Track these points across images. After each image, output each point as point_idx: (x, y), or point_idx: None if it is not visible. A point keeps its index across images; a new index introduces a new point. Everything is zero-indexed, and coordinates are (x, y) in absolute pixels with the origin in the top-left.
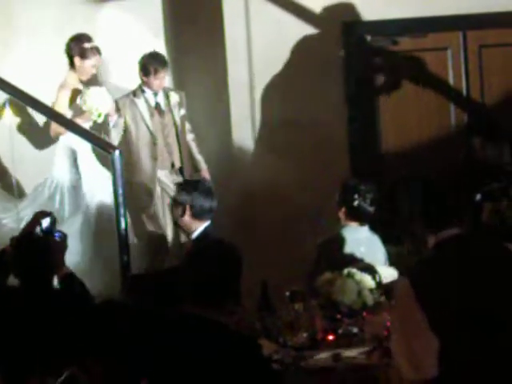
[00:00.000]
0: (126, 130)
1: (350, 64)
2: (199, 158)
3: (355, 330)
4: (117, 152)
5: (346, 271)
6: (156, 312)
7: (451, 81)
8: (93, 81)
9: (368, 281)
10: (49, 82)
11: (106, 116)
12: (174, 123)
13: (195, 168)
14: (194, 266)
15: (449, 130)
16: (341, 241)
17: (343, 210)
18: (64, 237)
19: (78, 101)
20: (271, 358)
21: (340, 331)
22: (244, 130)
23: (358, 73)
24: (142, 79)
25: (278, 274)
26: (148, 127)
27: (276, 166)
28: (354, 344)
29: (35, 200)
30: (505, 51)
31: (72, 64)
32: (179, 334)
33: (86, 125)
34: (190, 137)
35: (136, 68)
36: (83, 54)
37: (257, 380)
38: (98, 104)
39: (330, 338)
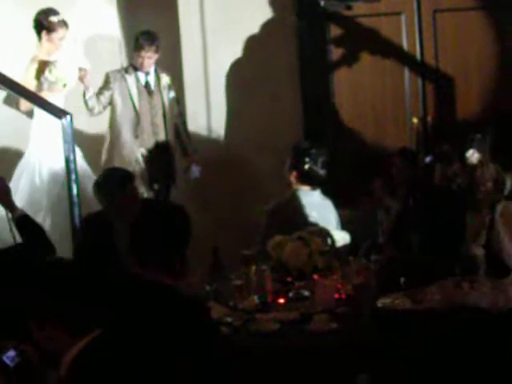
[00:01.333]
0: (111, 104)
1: (303, 29)
2: (187, 142)
3: (306, 293)
4: (68, 117)
5: (296, 234)
6: (103, 273)
7: (405, 46)
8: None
9: (319, 244)
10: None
11: (84, 88)
12: (163, 105)
13: (184, 152)
14: (141, 226)
15: (403, 95)
16: (292, 205)
17: (294, 173)
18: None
19: (46, 73)
20: (221, 321)
21: (291, 294)
22: (198, 94)
23: (311, 38)
24: (133, 56)
25: (230, 238)
26: (134, 105)
27: (230, 129)
28: (304, 307)
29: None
30: (459, 16)
31: (40, 37)
32: (125, 296)
33: (58, 97)
34: (179, 120)
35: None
36: (50, 28)
37: (204, 343)
38: (63, 75)
39: (281, 301)
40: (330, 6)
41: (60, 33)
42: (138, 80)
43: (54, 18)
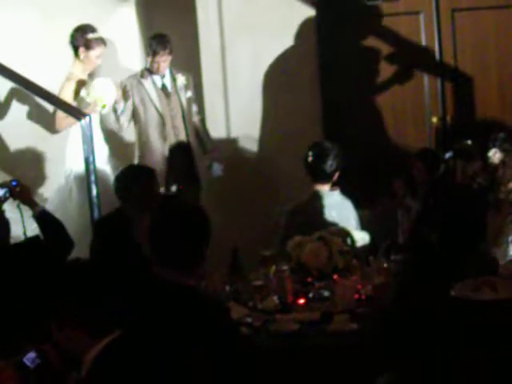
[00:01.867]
0: (134, 111)
1: (323, 28)
2: (206, 139)
3: (326, 293)
4: (87, 119)
5: (316, 234)
6: (125, 273)
7: (424, 45)
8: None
9: (339, 244)
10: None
11: (115, 104)
12: (181, 105)
13: (204, 150)
14: (161, 226)
15: (422, 95)
16: (312, 205)
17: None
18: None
19: (83, 92)
20: (241, 321)
21: (311, 295)
22: (216, 96)
23: (330, 37)
24: (147, 60)
25: (251, 239)
26: (156, 108)
27: (248, 131)
28: (324, 308)
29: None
30: (477, 14)
31: (77, 55)
32: (146, 296)
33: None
34: (196, 119)
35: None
36: (88, 45)
37: (225, 344)
38: (101, 95)
39: (301, 301)
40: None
41: (97, 51)
42: (154, 83)
43: (91, 36)
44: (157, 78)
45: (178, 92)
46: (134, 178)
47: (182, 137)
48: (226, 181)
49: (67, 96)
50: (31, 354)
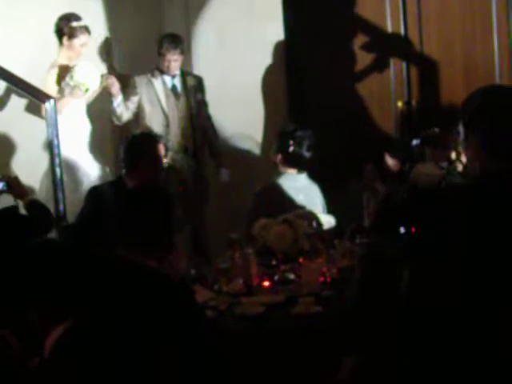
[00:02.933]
0: (140, 108)
1: (289, 12)
2: (216, 144)
3: (291, 276)
4: (51, 101)
5: (281, 217)
6: (89, 254)
7: (390, 30)
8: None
9: (304, 227)
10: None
11: (111, 97)
12: (190, 107)
13: (213, 154)
14: (125, 209)
15: (388, 80)
16: (279, 188)
17: (279, 156)
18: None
19: (67, 78)
20: (206, 304)
21: (276, 278)
22: None
23: (296, 21)
24: (158, 59)
25: (216, 222)
26: (162, 108)
27: (217, 116)
28: (290, 290)
29: None
30: None
31: (61, 43)
32: (109, 276)
33: (79, 102)
34: (207, 123)
35: None
36: (72, 33)
37: (189, 325)
38: (84, 79)
39: (266, 284)
40: None
41: (82, 39)
42: (164, 83)
43: (75, 24)
44: (167, 78)
45: (187, 94)
46: (141, 150)
47: (190, 139)
48: None
49: (51, 82)
50: None
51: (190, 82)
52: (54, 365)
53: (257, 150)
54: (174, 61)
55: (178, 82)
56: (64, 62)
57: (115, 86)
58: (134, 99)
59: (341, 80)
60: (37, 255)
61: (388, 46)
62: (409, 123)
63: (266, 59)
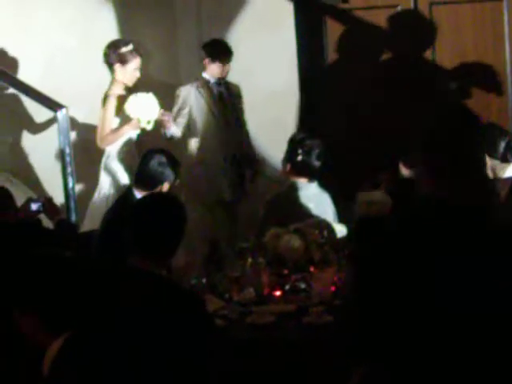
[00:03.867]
0: (190, 120)
1: (301, 21)
2: (252, 153)
3: (302, 285)
4: (63, 110)
5: (292, 226)
6: (99, 263)
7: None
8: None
9: (315, 236)
10: None
11: (165, 131)
12: (236, 114)
13: (250, 164)
14: (138, 217)
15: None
16: (290, 197)
17: (288, 166)
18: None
19: (127, 110)
20: (217, 313)
21: (287, 287)
22: None
23: (308, 30)
24: (205, 66)
25: (228, 231)
26: (214, 117)
27: None
28: (301, 300)
29: None
30: (454, 8)
31: (113, 72)
32: (121, 286)
33: (135, 132)
34: (244, 130)
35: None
36: (123, 60)
37: (199, 334)
38: (145, 111)
39: (277, 293)
40: None
41: (134, 63)
42: (211, 92)
43: (124, 49)
44: (214, 86)
45: (233, 101)
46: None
47: (237, 147)
48: None
49: (109, 116)
50: None
51: (233, 89)
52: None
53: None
54: (225, 66)
55: (223, 89)
56: (119, 91)
57: (169, 121)
58: (184, 112)
59: (355, 90)
60: (38, 265)
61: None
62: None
63: (278, 66)
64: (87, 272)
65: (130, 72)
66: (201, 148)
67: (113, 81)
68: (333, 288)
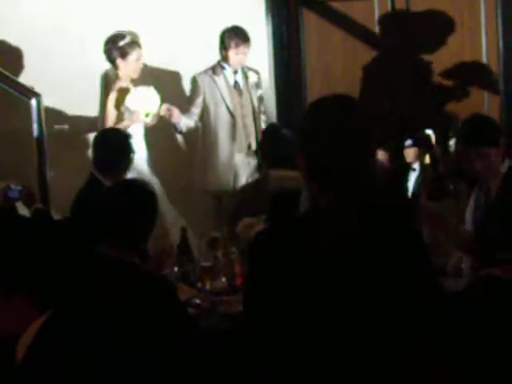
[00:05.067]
0: (203, 109)
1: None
2: None
3: None
4: (38, 98)
5: (264, 217)
6: (70, 251)
7: (378, 31)
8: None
9: None
10: None
11: (175, 124)
12: (252, 104)
13: None
14: (108, 206)
15: (375, 81)
16: (261, 188)
17: (262, 156)
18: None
19: (127, 101)
20: (189, 302)
21: None
22: None
23: (283, 21)
24: (221, 54)
25: (200, 220)
26: (227, 107)
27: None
28: None
29: None
30: (432, 3)
31: (116, 66)
32: (91, 274)
33: (138, 125)
34: (263, 118)
35: None
36: (123, 53)
37: (170, 321)
38: (144, 104)
39: None
40: None
41: (134, 54)
42: (226, 80)
43: (122, 43)
44: (229, 74)
45: (249, 90)
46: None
47: (252, 137)
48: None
49: (110, 107)
50: None
51: (252, 77)
52: (37, 360)
53: None
54: (245, 54)
55: (239, 78)
56: (123, 84)
57: (175, 115)
58: (198, 101)
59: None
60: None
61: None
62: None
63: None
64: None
65: (132, 64)
66: (212, 139)
67: (117, 75)
68: None
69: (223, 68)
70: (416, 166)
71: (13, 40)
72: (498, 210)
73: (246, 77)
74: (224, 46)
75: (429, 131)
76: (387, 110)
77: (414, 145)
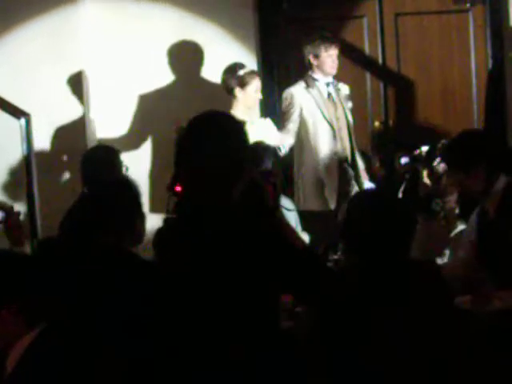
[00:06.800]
0: (301, 123)
1: (265, 31)
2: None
3: None
4: (26, 117)
5: None
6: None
7: (367, 49)
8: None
9: None
10: None
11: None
12: (345, 116)
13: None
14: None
15: (365, 99)
16: None
17: None
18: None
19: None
20: None
21: None
22: None
23: (274, 40)
24: (311, 65)
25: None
26: (326, 119)
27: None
28: None
29: None
30: (420, 19)
31: (234, 96)
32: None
33: None
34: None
35: None
36: (242, 82)
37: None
38: (264, 138)
39: None
40: (293, 8)
41: (253, 84)
42: (320, 92)
43: (242, 72)
44: (322, 86)
45: (341, 102)
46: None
47: (348, 150)
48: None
49: None
50: None
51: (343, 89)
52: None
53: None
54: (335, 56)
55: (332, 90)
56: (240, 115)
57: (284, 139)
58: (294, 117)
59: None
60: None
61: (365, 66)
62: (385, 142)
63: None
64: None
65: (250, 94)
66: (314, 154)
67: (234, 106)
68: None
69: (315, 80)
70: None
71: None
72: (496, 233)
73: (337, 88)
74: (313, 55)
75: (424, 148)
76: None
77: (410, 163)
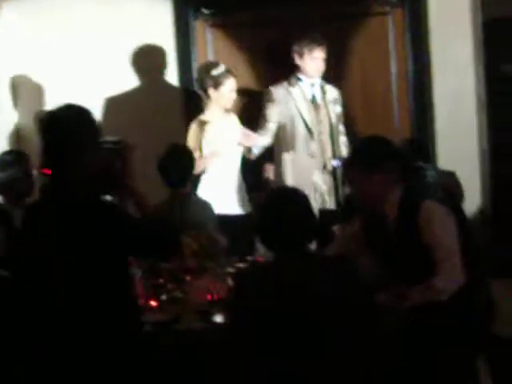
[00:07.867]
0: (279, 123)
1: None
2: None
3: (179, 294)
4: None
5: None
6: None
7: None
8: None
9: (192, 246)
10: None
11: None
12: (329, 120)
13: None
14: None
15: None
16: (171, 205)
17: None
18: None
19: (204, 134)
20: None
21: (163, 297)
22: None
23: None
24: (296, 64)
25: None
26: (305, 121)
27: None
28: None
29: None
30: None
31: (208, 96)
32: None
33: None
34: (342, 139)
35: None
36: (216, 83)
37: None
38: (219, 136)
39: (153, 304)
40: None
41: (228, 85)
42: (303, 93)
43: (216, 71)
44: (306, 86)
45: (326, 105)
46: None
47: (328, 154)
48: None
49: (190, 137)
50: None
51: (330, 92)
52: None
53: None
54: (319, 59)
55: (317, 92)
56: (209, 116)
57: (252, 138)
58: (274, 114)
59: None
60: None
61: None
62: None
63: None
64: None
65: (225, 94)
66: (290, 155)
67: (208, 107)
68: (209, 296)
69: (299, 79)
70: None
71: None
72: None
73: (323, 91)
74: (298, 55)
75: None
76: None
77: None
